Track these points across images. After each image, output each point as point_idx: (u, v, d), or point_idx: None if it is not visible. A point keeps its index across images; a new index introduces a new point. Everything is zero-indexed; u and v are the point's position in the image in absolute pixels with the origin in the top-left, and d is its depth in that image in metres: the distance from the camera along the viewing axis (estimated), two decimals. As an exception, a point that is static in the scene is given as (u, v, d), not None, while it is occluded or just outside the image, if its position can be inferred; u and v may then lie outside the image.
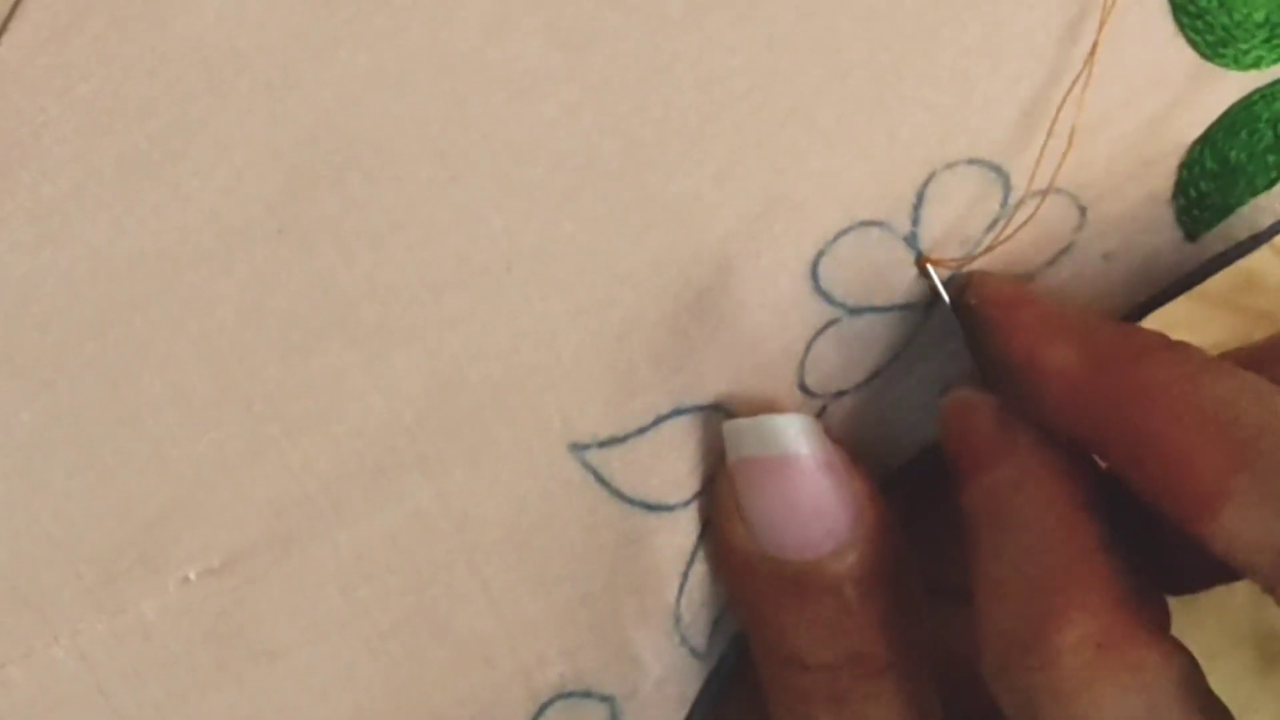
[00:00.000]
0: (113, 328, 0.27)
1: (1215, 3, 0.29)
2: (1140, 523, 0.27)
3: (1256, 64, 0.30)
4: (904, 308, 0.30)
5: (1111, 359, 0.27)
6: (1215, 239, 0.31)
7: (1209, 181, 0.30)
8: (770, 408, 0.30)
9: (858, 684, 0.29)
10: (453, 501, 0.29)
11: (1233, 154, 0.30)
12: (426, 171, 0.28)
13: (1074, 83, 0.29)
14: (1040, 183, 0.29)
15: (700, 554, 0.30)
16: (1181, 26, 0.29)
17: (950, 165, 0.29)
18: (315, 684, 0.30)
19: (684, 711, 0.31)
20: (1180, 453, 0.25)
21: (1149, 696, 0.25)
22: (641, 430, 0.29)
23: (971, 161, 0.29)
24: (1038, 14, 0.29)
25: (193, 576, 0.29)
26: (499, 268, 0.28)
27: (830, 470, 0.29)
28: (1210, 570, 0.27)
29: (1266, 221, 0.31)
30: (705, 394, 0.30)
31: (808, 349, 0.30)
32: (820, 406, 0.30)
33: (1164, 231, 0.31)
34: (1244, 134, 0.30)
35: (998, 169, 0.29)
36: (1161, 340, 0.27)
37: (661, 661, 0.31)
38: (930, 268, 0.30)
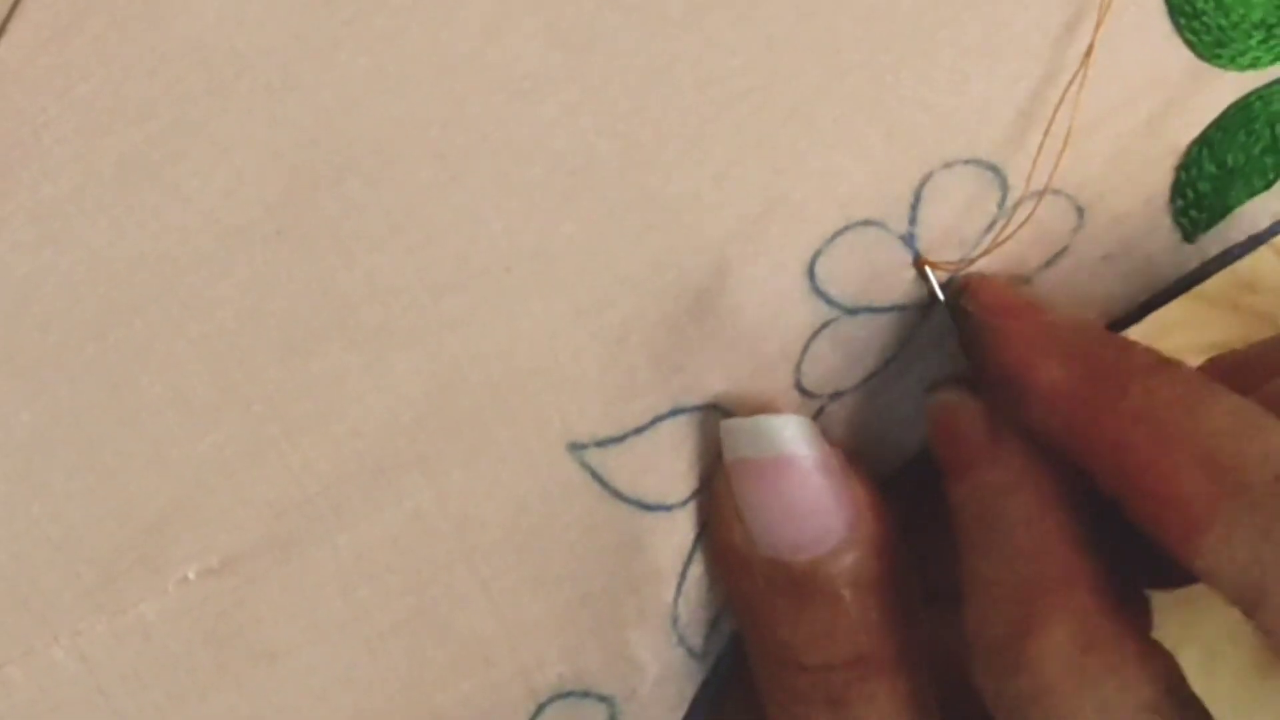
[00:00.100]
0: (113, 329, 0.27)
1: (1212, 3, 0.29)
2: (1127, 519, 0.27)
3: (1253, 65, 0.30)
4: (901, 308, 0.30)
5: (1103, 379, 0.27)
6: (1213, 240, 0.31)
7: (1207, 182, 0.30)
8: (767, 408, 0.30)
9: (855, 685, 0.29)
10: (452, 502, 0.29)
11: (1230, 155, 0.30)
12: (426, 173, 0.28)
13: (1071, 83, 0.29)
14: (1037, 183, 0.29)
15: (698, 554, 0.30)
16: (1178, 27, 0.29)
17: (948, 165, 0.29)
18: (315, 685, 0.30)
19: (682, 711, 0.31)
20: (1167, 478, 0.26)
21: (1131, 698, 0.25)
22: (639, 430, 0.29)
23: (969, 162, 0.29)
24: (1035, 15, 0.29)
25: (192, 577, 0.29)
26: (498, 269, 0.28)
27: (827, 471, 0.29)
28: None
29: (1265, 222, 0.31)
30: (703, 394, 0.30)
31: (805, 349, 0.30)
32: (818, 407, 0.30)
33: (1162, 232, 0.31)
34: (1241, 135, 0.30)
35: (995, 169, 0.29)
36: (1154, 360, 0.27)
37: (659, 661, 0.31)
38: (928, 270, 0.30)
